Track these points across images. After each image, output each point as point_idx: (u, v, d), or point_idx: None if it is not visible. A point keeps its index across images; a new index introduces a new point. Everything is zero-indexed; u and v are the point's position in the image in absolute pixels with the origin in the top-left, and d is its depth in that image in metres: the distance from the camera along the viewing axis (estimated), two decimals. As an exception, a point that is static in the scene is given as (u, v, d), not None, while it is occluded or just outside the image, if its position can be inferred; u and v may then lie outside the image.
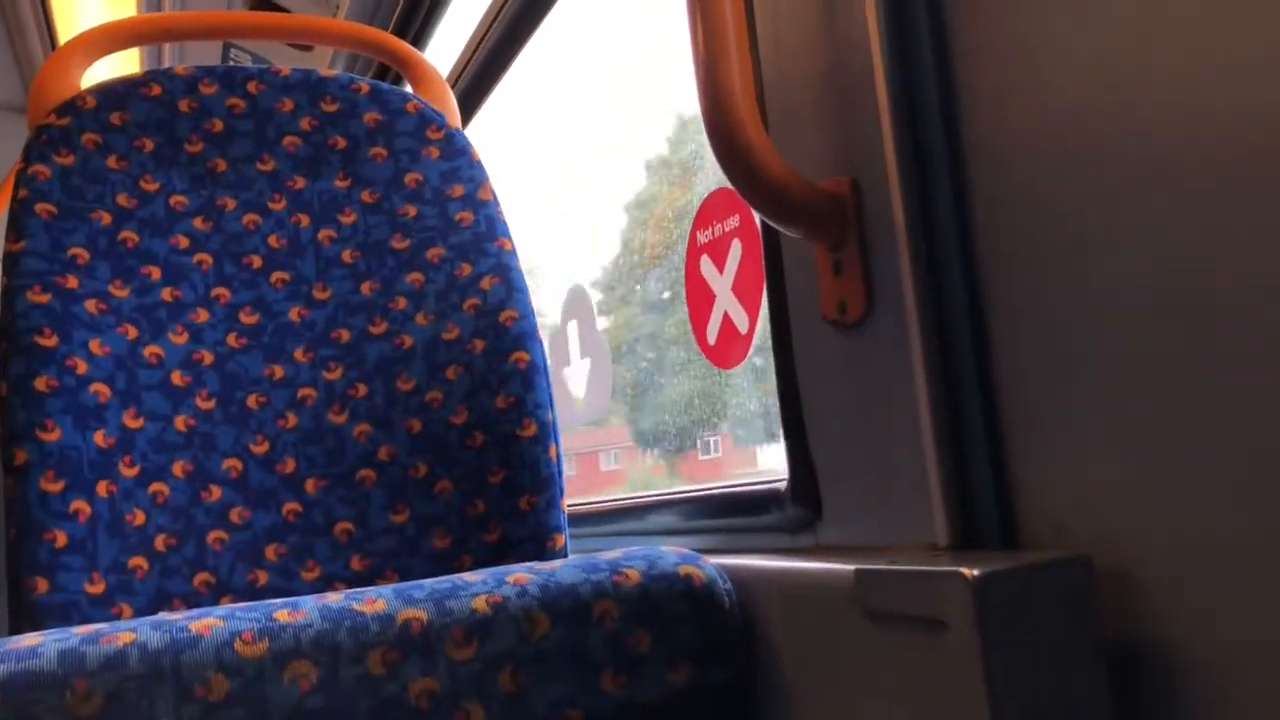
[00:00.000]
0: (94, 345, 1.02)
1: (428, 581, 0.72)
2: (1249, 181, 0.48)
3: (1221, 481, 0.50)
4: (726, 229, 1.28)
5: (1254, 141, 0.48)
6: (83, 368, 1.00)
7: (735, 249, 1.26)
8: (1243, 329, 0.48)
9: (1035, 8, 0.59)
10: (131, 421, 1.02)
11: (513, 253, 1.14)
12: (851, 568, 0.62)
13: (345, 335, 1.13)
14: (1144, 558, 0.54)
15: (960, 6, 0.64)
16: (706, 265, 1.31)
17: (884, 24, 0.68)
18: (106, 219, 1.09)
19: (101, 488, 0.97)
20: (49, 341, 0.99)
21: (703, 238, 1.32)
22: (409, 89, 1.30)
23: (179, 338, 1.09)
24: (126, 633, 0.63)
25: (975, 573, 0.52)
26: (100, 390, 1.01)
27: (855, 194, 0.71)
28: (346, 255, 1.17)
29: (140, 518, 0.99)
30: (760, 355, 1.25)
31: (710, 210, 1.32)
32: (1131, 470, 0.54)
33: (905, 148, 0.67)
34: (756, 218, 0.89)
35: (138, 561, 0.98)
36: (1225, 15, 0.49)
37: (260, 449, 1.08)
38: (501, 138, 2.00)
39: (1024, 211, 0.60)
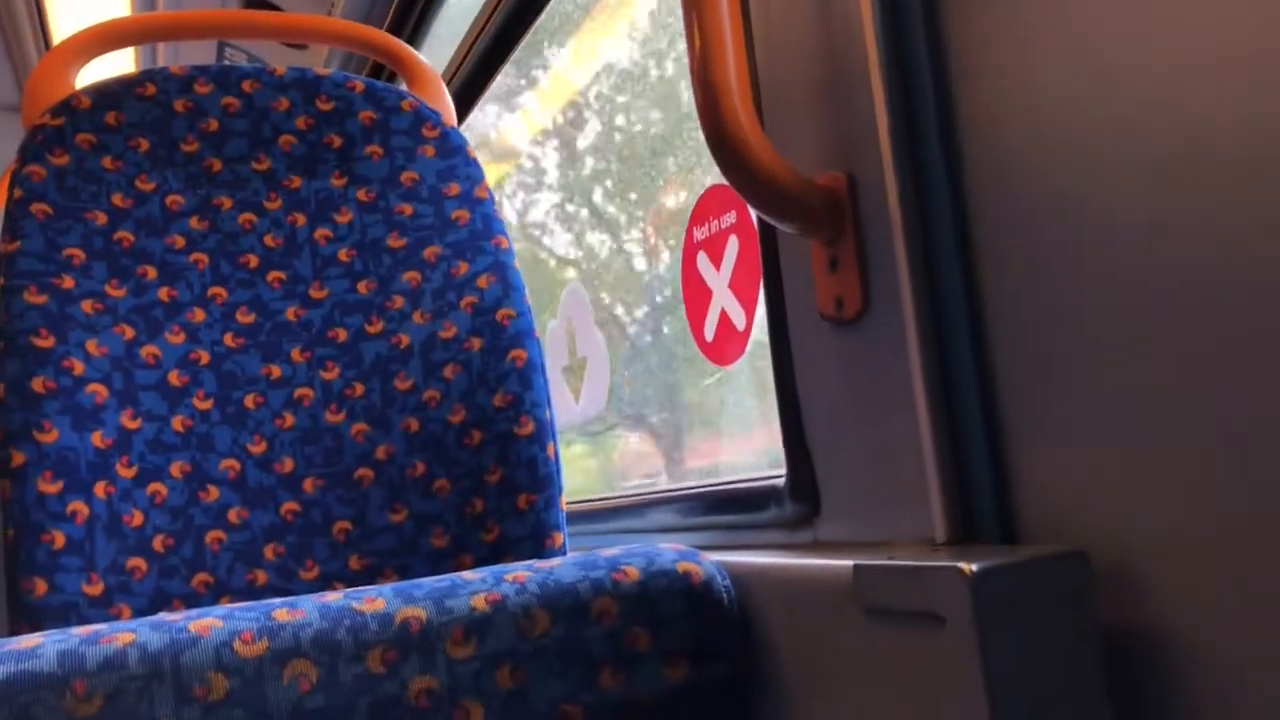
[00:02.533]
0: (91, 345, 1.02)
1: (426, 580, 0.72)
2: (1242, 180, 0.48)
3: (1217, 475, 0.50)
4: (723, 225, 1.28)
5: (1245, 141, 0.48)
6: (80, 368, 1.00)
7: (732, 245, 1.26)
8: (1238, 326, 0.49)
9: (1030, 3, 0.59)
10: (129, 422, 1.02)
11: (509, 250, 1.14)
12: (850, 563, 0.62)
13: (342, 334, 1.13)
14: (1141, 551, 0.54)
15: (955, 1, 0.64)
16: (703, 262, 1.31)
17: (879, 19, 0.68)
18: (102, 219, 1.09)
19: (99, 488, 0.97)
20: (45, 342, 0.99)
21: (699, 234, 1.32)
22: (404, 87, 1.30)
23: (176, 337, 1.09)
24: (126, 633, 0.63)
25: (973, 568, 0.52)
26: (98, 390, 1.01)
27: (851, 189, 0.71)
28: (343, 254, 1.17)
29: (138, 518, 0.99)
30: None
31: (706, 206, 1.32)
32: (1128, 465, 0.54)
33: (901, 143, 0.67)
34: (753, 214, 0.89)
35: (136, 562, 0.98)
36: (1216, 14, 0.49)
37: (258, 449, 1.07)
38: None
39: (1020, 206, 0.60)
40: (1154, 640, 0.53)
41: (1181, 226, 0.51)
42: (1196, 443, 0.51)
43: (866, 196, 0.70)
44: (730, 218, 1.27)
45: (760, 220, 0.82)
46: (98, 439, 0.99)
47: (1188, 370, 0.51)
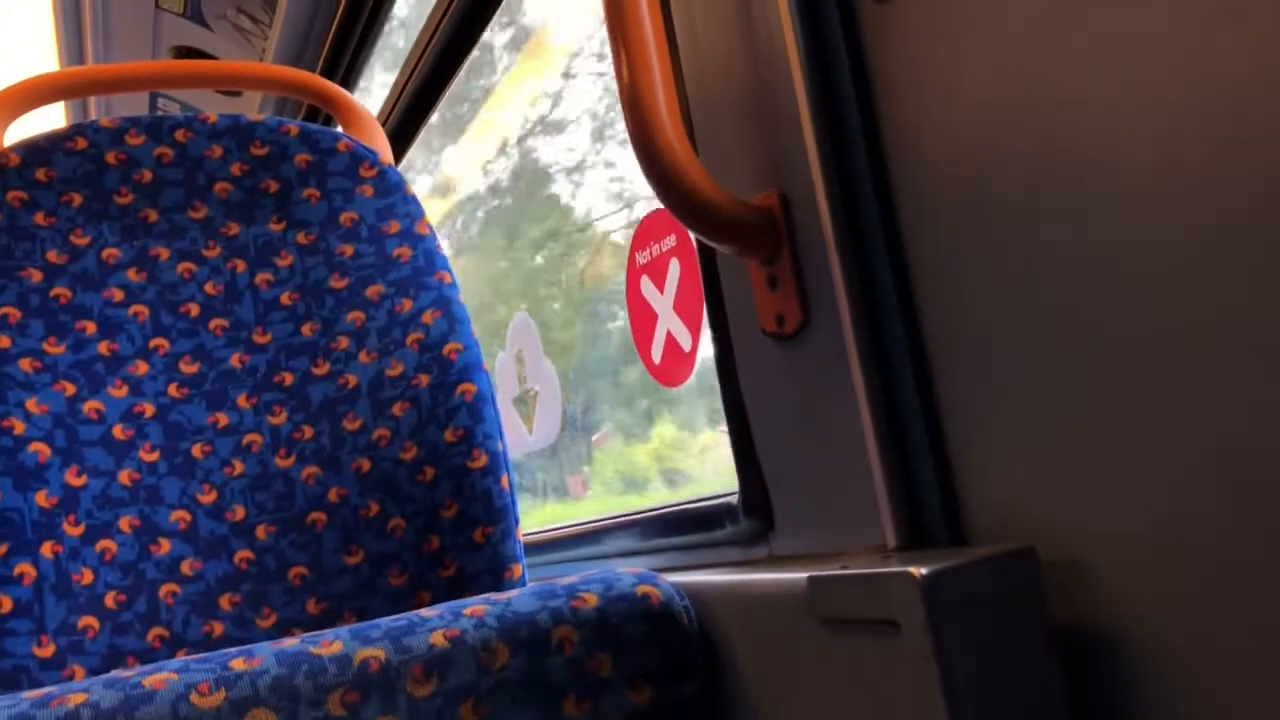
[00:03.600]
0: (30, 404, 1.01)
1: (384, 620, 0.72)
2: (1162, 179, 0.49)
3: (1160, 471, 0.51)
4: (664, 249, 1.29)
5: (1164, 144, 0.49)
6: (20, 428, 0.99)
7: (674, 268, 1.27)
8: (1177, 323, 0.50)
9: (945, 17, 0.60)
10: (74, 479, 1.01)
11: (453, 285, 1.14)
12: (804, 575, 0.62)
13: (288, 378, 1.12)
14: (1091, 548, 0.55)
15: (874, 18, 0.66)
16: (647, 285, 1.32)
17: (801, 40, 0.69)
18: (37, 276, 1.08)
19: (46, 548, 0.95)
20: None
21: (641, 259, 1.33)
22: (340, 129, 1.29)
23: (119, 391, 1.07)
24: (78, 693, 0.62)
25: (923, 571, 0.52)
26: (40, 449, 0.99)
27: (784, 208, 0.72)
28: (285, 298, 1.16)
29: (88, 576, 0.98)
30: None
31: (647, 231, 1.33)
32: (1073, 462, 0.55)
33: (829, 160, 0.68)
34: (692, 237, 0.90)
35: (88, 621, 0.96)
36: (1138, 29, 0.50)
37: (208, 498, 1.06)
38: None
39: (950, 217, 0.61)
40: (1109, 636, 0.54)
41: (1108, 226, 0.52)
42: (1139, 437, 0.52)
43: (800, 214, 0.71)
44: (670, 241, 1.28)
45: (699, 242, 0.83)
46: (42, 498, 0.97)
47: (1127, 366, 0.52)
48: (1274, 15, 0.44)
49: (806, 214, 0.70)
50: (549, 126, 1.89)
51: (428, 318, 1.10)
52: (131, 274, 1.13)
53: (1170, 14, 0.48)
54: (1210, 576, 0.49)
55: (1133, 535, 0.53)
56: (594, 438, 1.84)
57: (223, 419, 1.10)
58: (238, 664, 0.66)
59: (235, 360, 1.13)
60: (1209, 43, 0.47)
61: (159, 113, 2.10)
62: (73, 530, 0.98)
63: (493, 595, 0.75)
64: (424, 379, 1.07)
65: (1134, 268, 0.51)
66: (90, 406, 1.05)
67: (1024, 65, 0.56)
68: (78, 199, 1.13)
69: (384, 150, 1.28)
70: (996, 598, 0.54)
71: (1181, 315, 0.49)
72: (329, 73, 2.07)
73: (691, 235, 0.86)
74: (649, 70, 0.69)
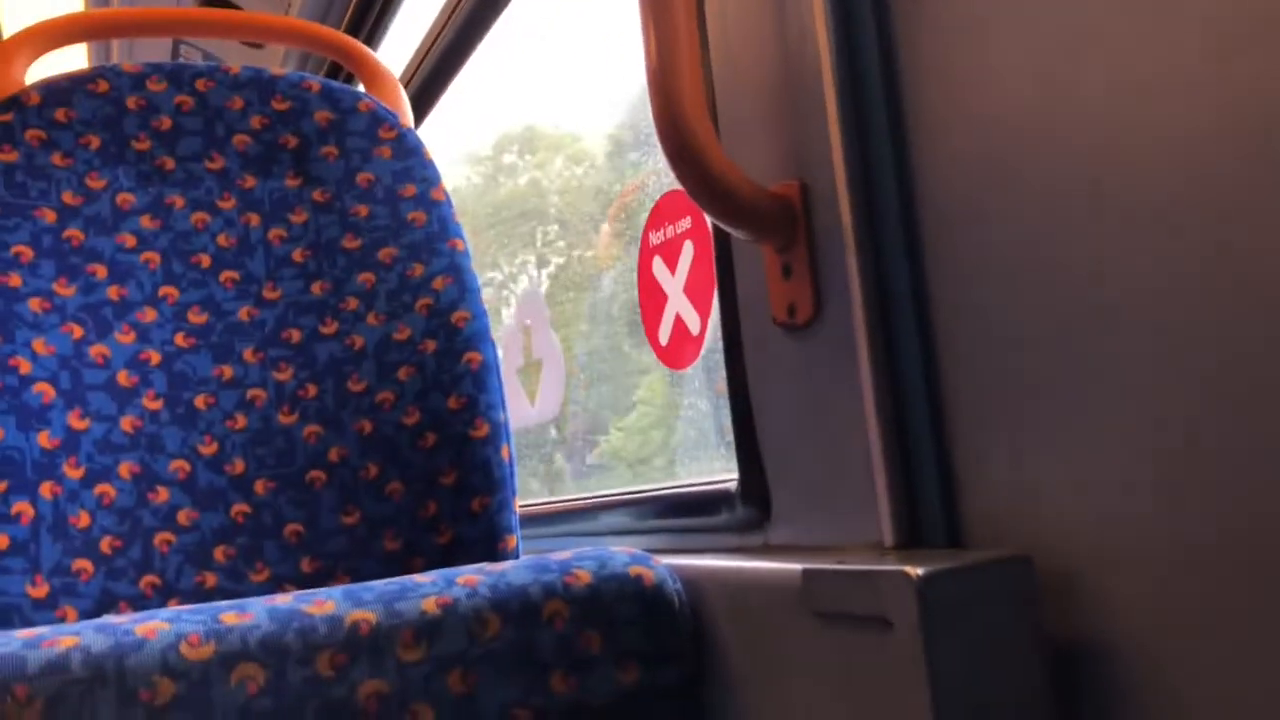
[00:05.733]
0: (38, 345, 1.01)
1: (377, 583, 0.72)
2: (1183, 191, 0.49)
3: (1159, 482, 0.51)
4: (678, 231, 1.28)
5: (1188, 153, 0.49)
6: (26, 367, 0.99)
7: (687, 250, 1.27)
8: (1184, 330, 0.50)
9: (980, 14, 0.60)
10: (76, 422, 1.01)
11: (465, 253, 1.14)
12: (799, 567, 0.62)
13: (295, 335, 1.12)
14: (1087, 558, 0.55)
15: (907, 14, 0.65)
16: (659, 266, 1.32)
17: (832, 30, 0.69)
18: (51, 216, 1.08)
19: (45, 489, 0.96)
20: None
21: (655, 239, 1.33)
22: (361, 88, 1.29)
23: (126, 337, 1.07)
24: (69, 636, 0.63)
25: (919, 572, 0.52)
26: (44, 390, 0.99)
27: (804, 197, 0.72)
28: (297, 255, 1.16)
29: (85, 520, 0.98)
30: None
31: (662, 212, 1.32)
32: (1073, 471, 0.55)
33: (853, 152, 0.68)
34: (708, 220, 0.90)
35: (82, 564, 0.96)
36: (1166, 28, 0.50)
37: (208, 450, 1.06)
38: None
39: (969, 215, 0.61)
40: (1097, 644, 0.54)
41: (1123, 237, 0.52)
42: (1143, 448, 0.52)
43: (819, 204, 0.71)
44: (685, 223, 1.27)
45: (715, 226, 0.83)
46: (44, 439, 0.97)
47: (1135, 375, 0.52)
48: None
49: (826, 204, 0.70)
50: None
51: (438, 283, 1.10)
52: (145, 220, 1.13)
53: (1201, 28, 0.48)
54: (1207, 591, 0.49)
55: (1130, 548, 0.53)
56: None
57: (228, 371, 1.10)
58: (229, 617, 0.66)
59: (244, 314, 1.13)
60: (1238, 58, 0.46)
61: (181, 60, 2.09)
62: (73, 473, 0.99)
63: (486, 565, 0.75)
64: (430, 345, 1.07)
65: (1147, 281, 0.51)
66: (96, 350, 1.05)
67: (1055, 69, 0.55)
68: (96, 141, 1.13)
69: (404, 112, 1.27)
70: (990, 603, 0.54)
71: (1189, 331, 0.49)
72: (354, 31, 2.06)
73: (707, 219, 0.85)
74: (677, 51, 0.69)
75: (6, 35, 2.35)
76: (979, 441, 0.61)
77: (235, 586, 1.02)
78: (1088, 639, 0.55)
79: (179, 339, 1.10)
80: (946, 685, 0.52)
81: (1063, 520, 0.56)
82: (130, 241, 1.11)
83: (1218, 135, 0.47)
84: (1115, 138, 0.52)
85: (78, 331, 1.05)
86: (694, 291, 1.26)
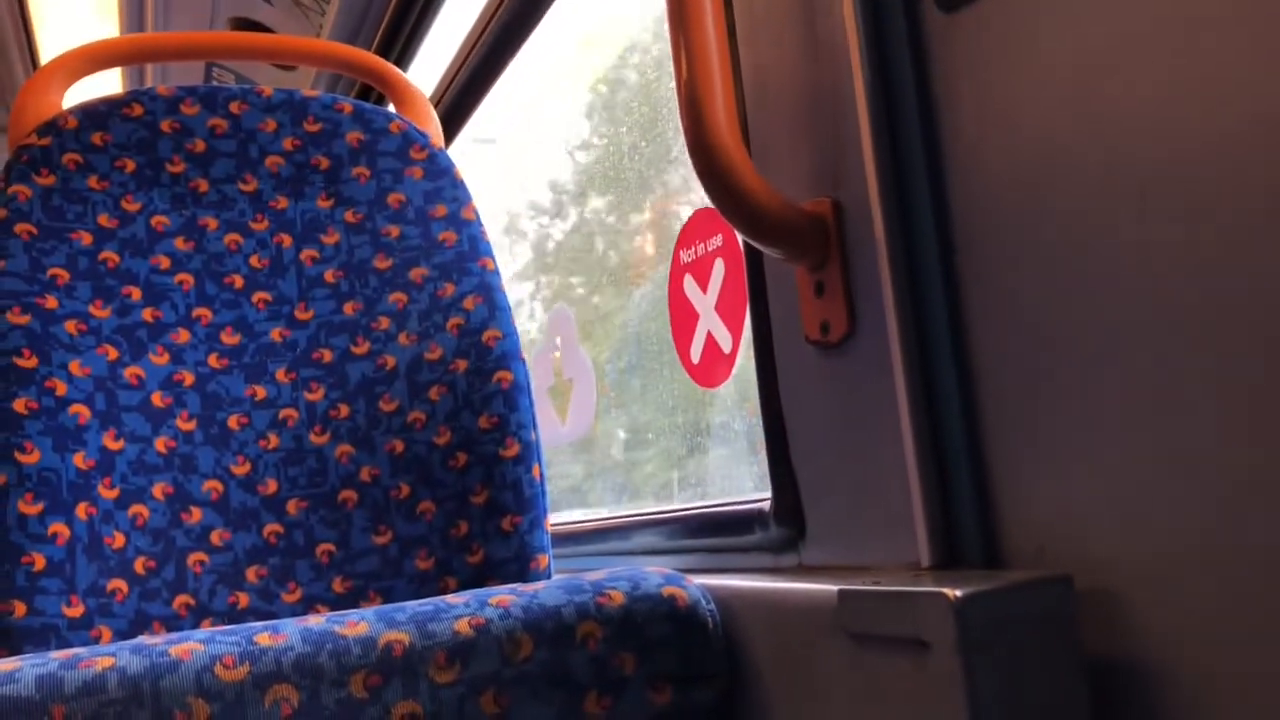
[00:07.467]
0: (74, 366, 1.02)
1: (410, 604, 0.72)
2: (1224, 203, 0.48)
3: (1201, 501, 0.50)
4: (709, 249, 1.28)
5: (1225, 163, 0.48)
6: (62, 389, 1.00)
7: (718, 268, 1.26)
8: (1225, 349, 0.49)
9: (1015, 30, 0.59)
10: (111, 443, 1.02)
11: (495, 272, 1.14)
12: (834, 588, 0.62)
13: (327, 355, 1.13)
14: (1125, 577, 0.54)
15: (940, 28, 0.65)
16: (690, 284, 1.32)
17: (865, 46, 0.68)
18: (87, 239, 1.09)
19: (80, 510, 0.96)
20: (28, 363, 0.99)
21: (685, 257, 1.33)
22: (392, 109, 1.30)
23: (159, 358, 1.08)
24: (105, 657, 0.63)
25: (957, 593, 0.52)
26: (80, 411, 1.00)
27: (836, 215, 0.71)
28: (329, 275, 1.16)
29: (120, 540, 0.99)
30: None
31: (693, 230, 1.32)
32: (1112, 490, 0.54)
33: (886, 169, 0.67)
34: (739, 238, 0.90)
35: (117, 584, 0.97)
36: (1200, 42, 0.49)
37: (241, 470, 1.07)
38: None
39: (1005, 232, 0.61)
40: (1137, 665, 0.53)
41: (1165, 248, 0.51)
42: (1183, 468, 0.51)
43: (852, 222, 0.70)
44: (717, 241, 1.27)
45: (746, 245, 0.83)
46: (79, 460, 0.98)
47: (1174, 394, 0.51)
48: None
49: (859, 222, 0.69)
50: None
51: (469, 303, 1.11)
52: (179, 242, 1.14)
53: (1249, 42, 0.47)
54: (1243, 614, 0.48)
55: (1174, 566, 0.52)
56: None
57: (260, 392, 1.10)
58: (263, 639, 0.66)
59: (276, 334, 1.13)
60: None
61: (214, 83, 2.12)
62: (107, 493, 0.99)
63: (519, 586, 0.75)
64: (461, 364, 1.07)
65: (1194, 294, 0.50)
66: (131, 372, 1.06)
67: (1093, 80, 0.55)
68: (131, 165, 1.14)
69: (435, 133, 1.28)
70: (1029, 624, 0.53)
71: (1235, 345, 0.48)
72: (384, 52, 2.08)
73: (739, 236, 0.85)
74: (708, 69, 0.69)
75: (44, 61, 2.38)
76: (1016, 460, 0.61)
77: (268, 606, 1.02)
78: (1129, 659, 0.54)
79: (212, 360, 1.11)
80: (985, 708, 0.51)
81: (1103, 538, 0.55)
82: (164, 263, 1.12)
83: (1265, 142, 0.47)
84: (1157, 150, 0.51)
85: (113, 353, 1.06)
86: (725, 310, 1.26)
